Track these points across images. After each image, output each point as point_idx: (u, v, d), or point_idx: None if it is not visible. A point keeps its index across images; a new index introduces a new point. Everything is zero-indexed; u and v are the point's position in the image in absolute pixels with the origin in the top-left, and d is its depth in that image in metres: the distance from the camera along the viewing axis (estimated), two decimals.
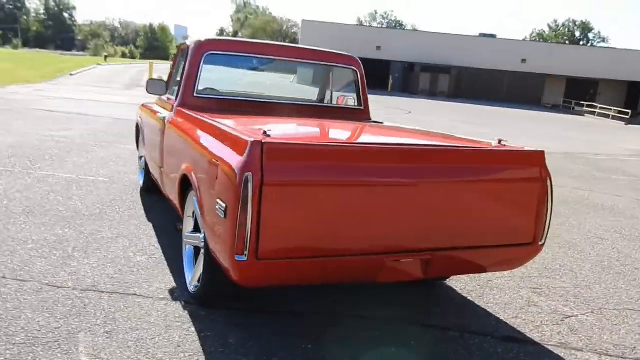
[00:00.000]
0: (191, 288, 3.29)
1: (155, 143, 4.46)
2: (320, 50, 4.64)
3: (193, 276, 3.29)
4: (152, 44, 78.35)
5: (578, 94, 46.78)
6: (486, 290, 3.96)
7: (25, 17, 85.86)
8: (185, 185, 3.34)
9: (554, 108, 45.36)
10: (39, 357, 2.51)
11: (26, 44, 67.73)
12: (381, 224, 2.70)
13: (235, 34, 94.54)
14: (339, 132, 3.90)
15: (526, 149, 3.15)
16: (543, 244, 3.17)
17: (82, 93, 18.97)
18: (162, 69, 28.25)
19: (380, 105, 26.50)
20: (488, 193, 2.99)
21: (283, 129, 3.58)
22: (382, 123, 4.64)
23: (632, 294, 4.11)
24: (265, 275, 2.56)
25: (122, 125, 10.70)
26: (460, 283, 4.01)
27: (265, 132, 2.63)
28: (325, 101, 4.94)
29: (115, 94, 20.17)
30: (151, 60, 29.80)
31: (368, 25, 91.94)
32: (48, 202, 4.92)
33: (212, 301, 3.25)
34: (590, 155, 14.02)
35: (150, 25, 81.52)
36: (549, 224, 3.15)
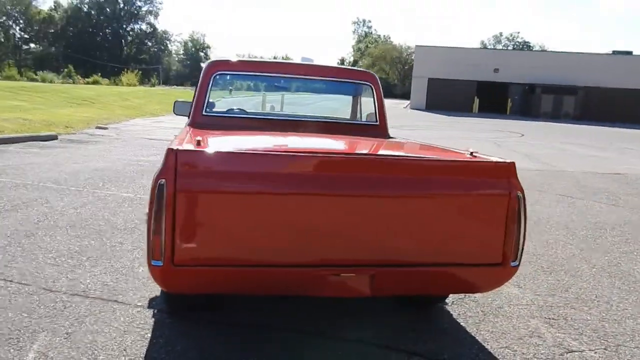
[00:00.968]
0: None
1: None
2: (334, 67, 4.64)
3: None
4: None
5: None
6: (489, 316, 3.61)
7: (167, 59, 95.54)
8: None
9: None
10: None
11: (166, 82, 75.06)
12: (312, 235, 2.61)
13: (354, 64, 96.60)
14: (312, 144, 3.74)
15: (492, 159, 2.87)
16: (516, 266, 2.85)
17: None
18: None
19: (492, 127, 25.40)
20: (445, 206, 2.77)
21: (242, 141, 3.59)
22: (393, 138, 4.49)
23: None
24: (184, 281, 2.59)
25: None
26: (461, 307, 3.71)
27: (199, 142, 2.70)
28: (339, 117, 4.89)
29: None
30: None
31: (492, 48, 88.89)
32: (93, 218, 5.39)
33: (180, 310, 3.33)
34: None
35: (274, 58, 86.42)
36: (522, 243, 2.83)
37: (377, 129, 4.63)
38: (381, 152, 3.02)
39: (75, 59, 69.66)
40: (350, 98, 4.80)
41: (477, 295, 3.98)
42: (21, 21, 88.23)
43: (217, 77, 4.38)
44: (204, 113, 4.34)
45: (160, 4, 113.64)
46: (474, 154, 3.02)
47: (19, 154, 9.34)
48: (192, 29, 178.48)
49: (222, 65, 4.47)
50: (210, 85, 4.35)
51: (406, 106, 46.20)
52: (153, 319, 3.26)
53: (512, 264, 2.83)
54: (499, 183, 2.77)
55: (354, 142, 3.77)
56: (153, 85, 49.10)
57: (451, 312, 3.65)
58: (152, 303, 3.48)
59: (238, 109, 4.64)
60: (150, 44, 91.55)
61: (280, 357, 2.94)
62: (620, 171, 11.75)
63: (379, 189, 2.66)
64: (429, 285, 2.90)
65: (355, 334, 3.23)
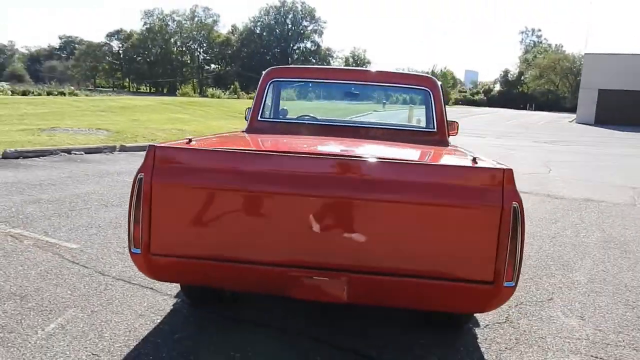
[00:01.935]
0: None
1: None
2: (391, 72, 4.52)
3: None
4: None
5: None
6: (521, 345, 3.22)
7: None
8: None
9: None
10: (29, 319, 3.18)
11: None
12: (284, 235, 2.61)
13: (519, 75, 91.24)
14: (325, 148, 3.59)
15: (485, 165, 2.59)
16: (512, 287, 2.52)
17: None
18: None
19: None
20: (428, 214, 2.56)
21: (247, 142, 3.62)
22: (455, 147, 4.22)
23: None
24: (161, 270, 2.75)
25: None
26: (495, 331, 3.36)
27: (189, 141, 2.86)
28: (392, 124, 4.72)
29: None
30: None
31: None
32: None
33: (200, 301, 3.52)
34: None
35: (432, 72, 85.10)
36: (519, 261, 2.50)
37: (433, 135, 4.40)
38: (368, 153, 2.87)
39: (247, 77, 76.08)
40: (408, 104, 4.63)
41: (522, 321, 3.58)
42: (204, 44, 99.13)
43: (273, 84, 4.54)
44: (259, 119, 4.53)
45: (325, 22, 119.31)
46: (476, 159, 2.75)
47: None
48: (353, 44, 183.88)
49: (277, 72, 4.62)
50: (266, 93, 4.53)
51: (572, 120, 42.37)
52: (172, 307, 3.49)
53: (507, 284, 2.52)
54: (491, 191, 2.49)
55: (368, 146, 3.63)
56: (310, 100, 51.53)
57: (478, 335, 3.33)
58: (180, 293, 3.71)
59: (289, 115, 4.75)
60: (314, 60, 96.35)
61: (265, 355, 2.94)
62: None
63: (354, 191, 2.56)
64: (409, 298, 2.68)
65: (352, 343, 3.11)
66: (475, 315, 3.62)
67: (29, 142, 10.32)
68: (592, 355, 3.14)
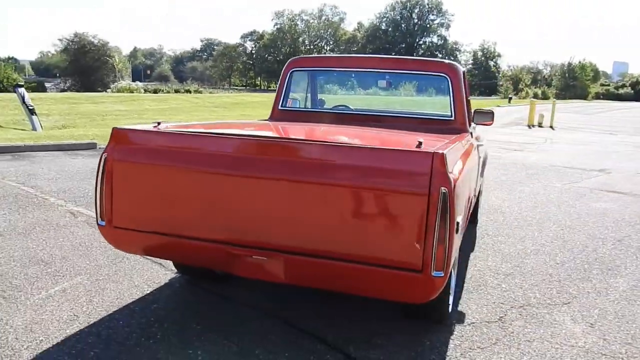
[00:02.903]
0: None
1: None
2: (410, 59, 4.35)
3: None
4: (567, 82, 75.43)
5: None
6: (498, 346, 2.99)
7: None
8: None
9: None
10: (41, 282, 3.62)
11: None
12: (225, 214, 2.70)
13: None
14: (312, 134, 3.55)
15: (415, 149, 2.45)
16: (441, 278, 2.38)
17: None
18: (544, 109, 27.07)
19: None
20: (356, 198, 2.49)
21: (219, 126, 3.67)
22: (477, 136, 4.00)
23: None
24: (123, 242, 2.99)
25: None
26: (481, 334, 3.15)
27: (158, 124, 3.06)
28: (409, 112, 4.52)
29: None
30: (534, 100, 29.13)
31: None
32: None
33: (190, 276, 3.74)
34: None
35: (569, 64, 78.60)
36: (448, 251, 2.36)
37: (451, 123, 4.18)
38: (317, 138, 2.84)
39: None
40: (428, 91, 4.44)
41: (517, 322, 3.31)
42: (331, 42, 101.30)
43: (293, 74, 4.62)
44: (279, 108, 4.65)
45: (452, 15, 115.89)
46: (421, 144, 2.61)
47: None
48: (482, 37, 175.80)
49: (297, 62, 4.68)
50: (287, 82, 4.63)
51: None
52: (167, 281, 3.74)
53: (435, 274, 2.38)
54: (419, 176, 2.37)
55: (349, 133, 3.55)
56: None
57: (455, 331, 3.14)
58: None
59: (309, 104, 4.78)
60: (440, 55, 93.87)
61: (259, 345, 3.04)
62: None
63: (290, 174, 2.58)
64: (344, 283, 2.63)
65: (315, 328, 3.11)
66: (464, 312, 3.43)
67: None
68: None
